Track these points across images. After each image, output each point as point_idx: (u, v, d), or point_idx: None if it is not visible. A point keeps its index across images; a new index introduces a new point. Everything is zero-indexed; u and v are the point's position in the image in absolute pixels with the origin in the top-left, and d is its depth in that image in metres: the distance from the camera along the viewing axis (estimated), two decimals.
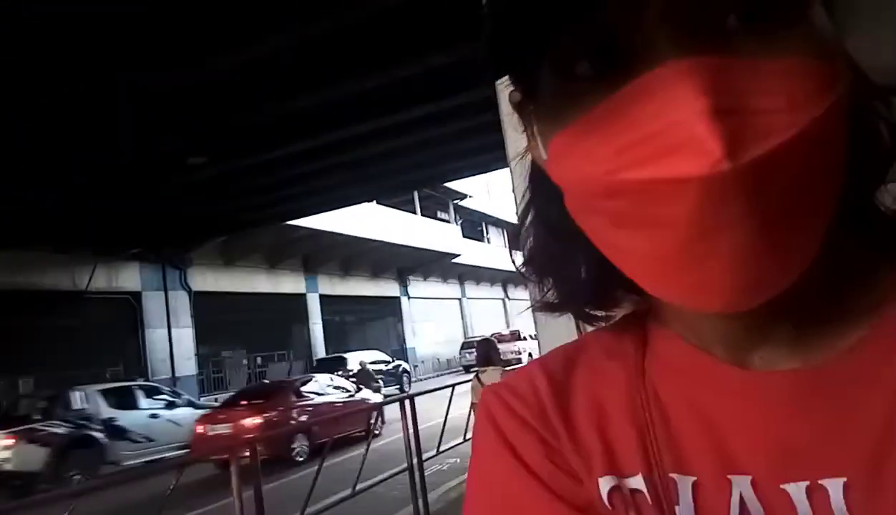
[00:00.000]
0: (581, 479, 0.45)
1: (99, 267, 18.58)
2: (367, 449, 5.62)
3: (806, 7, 0.36)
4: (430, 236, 31.03)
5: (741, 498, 0.40)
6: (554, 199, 0.43)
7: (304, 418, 11.49)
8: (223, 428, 10.82)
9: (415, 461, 5.77)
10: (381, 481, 5.97)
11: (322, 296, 27.47)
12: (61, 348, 17.50)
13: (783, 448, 0.40)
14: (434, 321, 35.24)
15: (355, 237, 24.98)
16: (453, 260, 33.92)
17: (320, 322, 27.19)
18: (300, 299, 26.54)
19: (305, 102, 9.73)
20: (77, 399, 11.67)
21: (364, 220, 24.97)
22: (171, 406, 13.23)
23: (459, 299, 39.08)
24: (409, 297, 33.80)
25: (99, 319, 19.00)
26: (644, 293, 0.49)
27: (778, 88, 0.33)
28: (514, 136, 0.50)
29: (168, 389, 14.67)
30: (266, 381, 18.18)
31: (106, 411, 11.83)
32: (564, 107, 0.38)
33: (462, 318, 38.92)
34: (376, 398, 13.25)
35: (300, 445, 10.61)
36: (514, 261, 0.51)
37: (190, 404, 13.97)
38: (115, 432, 11.70)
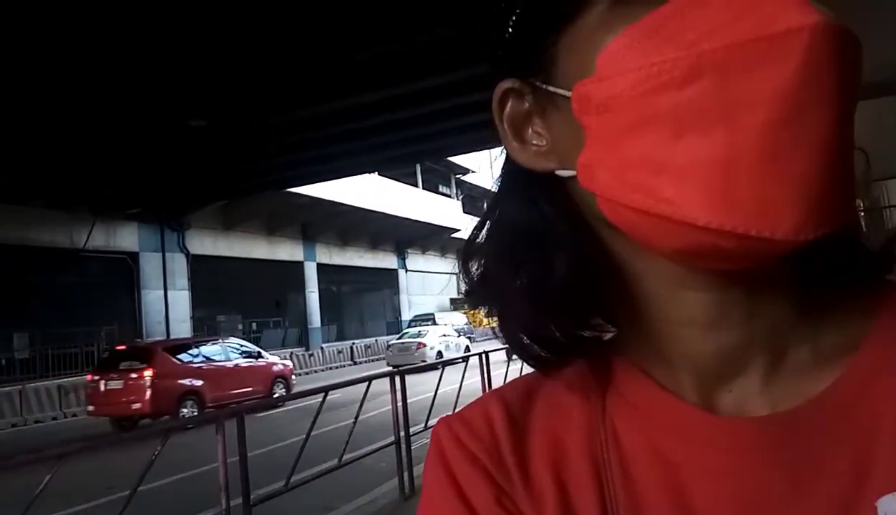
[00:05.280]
0: None
1: (97, 225, 18.51)
2: (355, 420, 5.64)
3: None
4: (431, 210, 30.94)
5: None
6: (537, 191, 0.40)
7: None
8: None
9: (402, 434, 5.80)
10: (369, 453, 6.00)
11: (319, 265, 27.47)
12: (57, 305, 17.54)
13: (748, 499, 0.37)
14: (431, 295, 35.32)
15: (355, 207, 24.90)
16: (452, 235, 33.89)
17: (317, 290, 27.25)
18: (297, 267, 26.55)
19: (306, 70, 9.61)
20: None
21: (365, 191, 24.86)
22: None
23: (457, 274, 38.98)
24: (406, 270, 33.81)
25: (95, 278, 19.00)
26: (617, 321, 0.46)
27: None
28: None
29: None
30: None
31: None
32: (622, 10, 0.35)
33: (458, 294, 38.97)
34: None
35: None
36: (465, 282, 0.47)
37: None
38: None
